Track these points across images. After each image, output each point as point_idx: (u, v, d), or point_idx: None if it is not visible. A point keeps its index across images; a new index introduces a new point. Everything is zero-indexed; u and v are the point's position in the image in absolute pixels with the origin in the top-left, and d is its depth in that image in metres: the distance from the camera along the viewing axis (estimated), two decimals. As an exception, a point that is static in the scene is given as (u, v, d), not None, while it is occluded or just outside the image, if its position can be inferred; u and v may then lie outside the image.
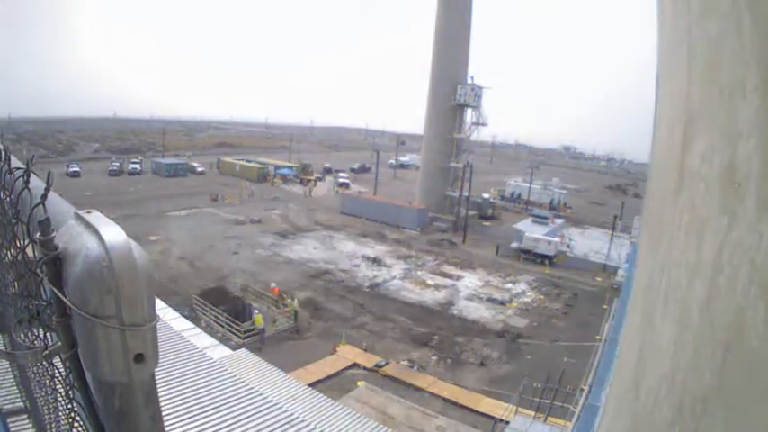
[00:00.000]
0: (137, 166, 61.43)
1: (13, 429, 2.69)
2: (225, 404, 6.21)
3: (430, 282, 30.72)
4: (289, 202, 50.08)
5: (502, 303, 28.00)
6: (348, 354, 20.73)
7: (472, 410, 17.79)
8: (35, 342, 1.15)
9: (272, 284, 26.34)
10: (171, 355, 7.06)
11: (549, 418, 14.60)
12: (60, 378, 1.11)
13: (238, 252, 32.77)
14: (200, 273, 28.52)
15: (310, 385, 14.75)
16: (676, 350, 1.68)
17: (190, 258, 30.78)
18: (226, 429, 5.76)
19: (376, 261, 33.60)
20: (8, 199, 1.32)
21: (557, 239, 37.47)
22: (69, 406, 1.05)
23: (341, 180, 60.80)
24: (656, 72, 2.82)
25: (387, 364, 20.17)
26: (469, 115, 47.17)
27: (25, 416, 2.64)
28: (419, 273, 32.22)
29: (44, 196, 0.96)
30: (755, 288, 1.16)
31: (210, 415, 5.89)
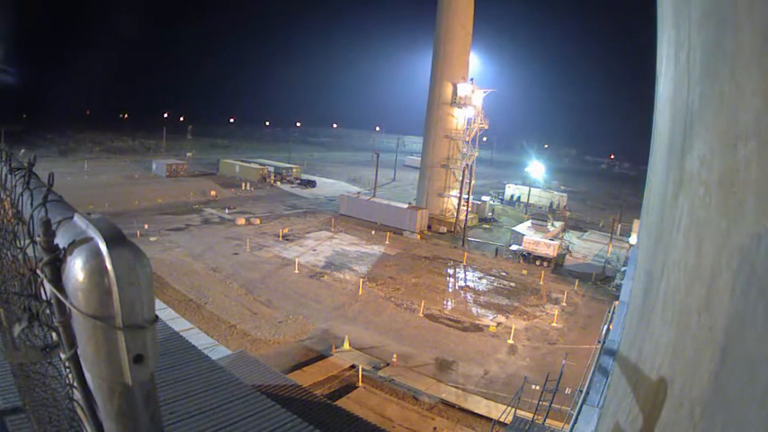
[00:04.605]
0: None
1: (11, 428, 2.69)
2: (224, 404, 6.20)
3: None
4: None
5: (500, 305, 28.00)
6: (347, 355, 20.73)
7: (470, 412, 17.78)
8: (35, 342, 1.15)
9: None
10: (170, 355, 7.06)
11: (548, 420, 14.57)
12: (60, 378, 1.11)
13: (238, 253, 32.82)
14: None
15: (308, 386, 14.75)
16: (675, 353, 1.68)
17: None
18: (225, 430, 5.75)
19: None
20: (9, 199, 1.32)
21: (556, 242, 37.44)
22: (69, 406, 1.05)
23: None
24: (656, 75, 2.82)
25: (386, 365, 20.17)
26: (469, 116, 47.08)
27: (24, 415, 2.63)
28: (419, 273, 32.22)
29: (45, 197, 0.96)
30: (754, 291, 1.16)
31: (209, 415, 5.89)
